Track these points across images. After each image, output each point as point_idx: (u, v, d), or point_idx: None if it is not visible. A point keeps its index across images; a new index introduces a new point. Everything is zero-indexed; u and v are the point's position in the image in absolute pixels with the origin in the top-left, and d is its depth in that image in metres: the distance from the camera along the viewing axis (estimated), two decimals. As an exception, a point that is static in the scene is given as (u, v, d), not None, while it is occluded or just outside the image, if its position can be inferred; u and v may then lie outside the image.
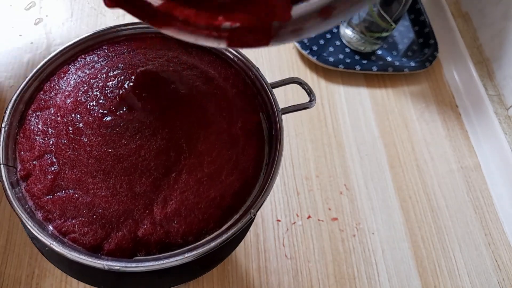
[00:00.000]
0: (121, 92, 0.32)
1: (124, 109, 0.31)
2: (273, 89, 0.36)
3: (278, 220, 0.59)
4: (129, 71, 0.33)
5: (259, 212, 0.59)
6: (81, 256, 0.28)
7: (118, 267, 0.28)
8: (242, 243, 0.56)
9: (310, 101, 0.37)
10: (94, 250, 0.30)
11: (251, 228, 0.57)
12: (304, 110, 0.44)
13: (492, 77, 0.70)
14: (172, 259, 0.28)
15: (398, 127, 0.70)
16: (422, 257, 0.59)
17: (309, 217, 0.59)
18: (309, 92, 0.37)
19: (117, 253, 0.30)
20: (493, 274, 0.59)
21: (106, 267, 0.28)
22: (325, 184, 0.63)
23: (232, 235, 0.30)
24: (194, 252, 0.29)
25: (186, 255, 0.29)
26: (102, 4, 0.77)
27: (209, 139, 0.32)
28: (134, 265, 0.28)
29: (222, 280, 0.53)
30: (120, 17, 0.73)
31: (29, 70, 0.65)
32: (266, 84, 0.36)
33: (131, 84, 0.32)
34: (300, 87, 0.38)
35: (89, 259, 0.28)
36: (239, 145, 0.33)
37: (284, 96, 0.67)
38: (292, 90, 0.66)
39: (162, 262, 0.28)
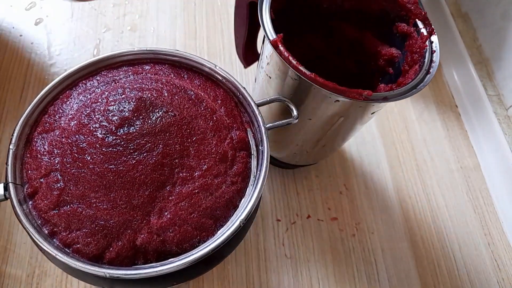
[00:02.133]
0: (121, 115, 0.36)
1: (124, 130, 0.35)
2: (260, 107, 0.40)
3: (278, 220, 0.59)
4: (128, 96, 0.37)
5: (259, 212, 0.59)
6: (84, 266, 0.31)
7: (119, 275, 0.30)
8: (242, 243, 0.56)
9: (293, 117, 0.41)
10: (96, 259, 0.32)
11: (251, 228, 0.57)
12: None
13: (492, 77, 0.70)
14: (167, 266, 0.31)
15: (398, 127, 0.70)
16: (421, 256, 0.59)
17: (308, 216, 0.60)
18: (292, 109, 0.41)
19: (117, 262, 0.32)
20: (493, 274, 0.59)
21: (108, 275, 0.30)
22: (325, 184, 0.63)
23: (223, 243, 0.33)
24: (189, 259, 0.32)
25: (180, 262, 0.31)
26: (102, 4, 0.77)
27: (200, 155, 0.36)
28: (134, 272, 0.31)
29: (222, 280, 0.53)
30: (120, 17, 0.73)
31: (30, 71, 0.65)
32: (252, 103, 0.39)
33: (130, 108, 0.36)
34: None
35: (92, 268, 0.31)
36: (227, 159, 0.37)
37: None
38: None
39: (159, 269, 0.31)
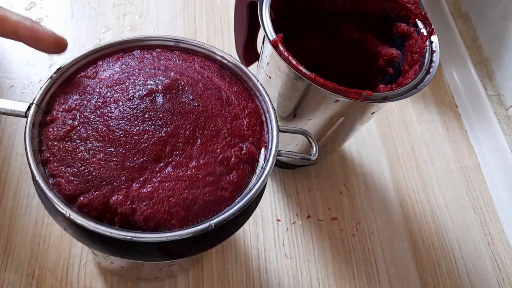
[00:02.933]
0: (152, 87, 0.39)
1: (148, 99, 0.38)
2: (280, 132, 0.40)
3: (278, 220, 0.59)
4: (167, 74, 0.40)
5: (259, 212, 0.59)
6: (55, 199, 0.33)
7: (79, 222, 0.32)
8: (242, 243, 0.56)
9: (312, 154, 0.40)
10: (70, 198, 0.34)
11: (251, 228, 0.57)
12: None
13: (492, 77, 0.70)
14: (123, 233, 0.32)
15: (398, 127, 0.70)
16: (421, 256, 0.59)
17: (308, 216, 0.60)
18: (312, 147, 0.41)
19: (85, 209, 0.34)
20: (493, 274, 0.59)
21: (68, 215, 0.32)
22: (325, 183, 0.63)
23: (185, 237, 0.33)
24: (147, 236, 0.32)
25: (148, 236, 0.32)
26: (103, 4, 0.78)
27: (203, 148, 0.37)
28: (86, 222, 0.32)
29: (222, 280, 0.53)
30: (120, 17, 0.73)
31: (29, 71, 0.65)
32: (274, 125, 0.40)
33: (163, 84, 0.39)
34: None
35: (59, 204, 0.32)
36: (228, 165, 0.37)
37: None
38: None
39: (109, 230, 0.32)
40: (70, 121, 0.37)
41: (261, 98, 0.42)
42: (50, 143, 0.36)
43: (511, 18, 0.65)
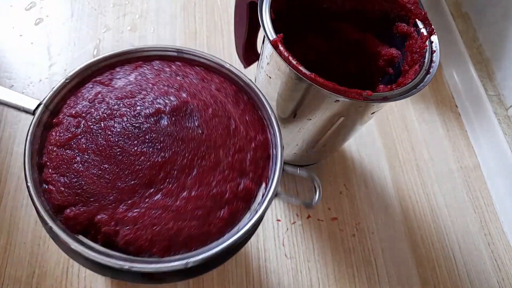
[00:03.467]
0: (160, 107, 0.37)
1: (153, 120, 0.37)
2: (284, 170, 0.39)
3: (278, 220, 0.59)
4: (178, 95, 0.39)
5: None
6: (42, 210, 0.33)
7: (62, 237, 0.32)
8: (242, 243, 0.56)
9: (313, 201, 0.39)
10: (58, 209, 0.34)
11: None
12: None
13: (492, 78, 0.70)
14: (102, 257, 0.32)
15: (398, 127, 0.70)
16: (421, 256, 0.59)
17: (308, 216, 0.60)
18: (315, 194, 0.39)
19: (70, 223, 0.33)
20: (493, 274, 0.59)
21: (50, 227, 0.32)
22: (325, 183, 0.63)
23: (160, 271, 0.32)
24: (131, 265, 0.32)
25: (121, 263, 0.32)
26: (102, 4, 0.77)
27: (198, 180, 0.36)
28: (71, 242, 0.32)
29: (222, 280, 0.53)
30: (120, 17, 0.73)
31: (29, 71, 0.65)
32: (278, 163, 0.38)
33: (171, 105, 0.37)
34: (313, 183, 0.40)
35: (46, 216, 0.32)
36: (220, 200, 0.36)
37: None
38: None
39: (91, 253, 0.32)
40: (73, 128, 0.36)
41: (272, 131, 0.40)
42: (50, 147, 0.36)
43: (511, 18, 0.65)
